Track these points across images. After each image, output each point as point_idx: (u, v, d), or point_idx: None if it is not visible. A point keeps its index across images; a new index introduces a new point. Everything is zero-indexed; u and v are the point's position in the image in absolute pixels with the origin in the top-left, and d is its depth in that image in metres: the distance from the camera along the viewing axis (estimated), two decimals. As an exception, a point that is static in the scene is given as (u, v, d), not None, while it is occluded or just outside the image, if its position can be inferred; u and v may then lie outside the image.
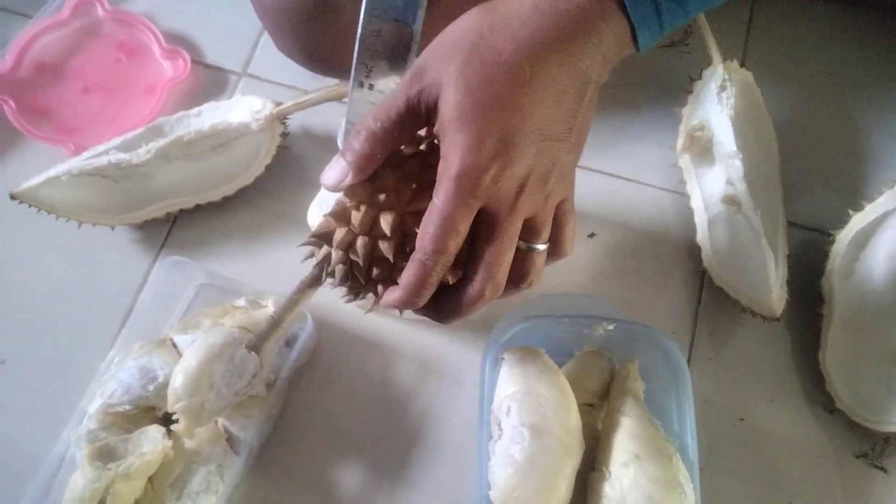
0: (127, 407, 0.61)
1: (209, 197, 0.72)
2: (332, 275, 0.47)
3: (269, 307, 0.66)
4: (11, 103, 0.75)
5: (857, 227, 0.67)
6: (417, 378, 0.68)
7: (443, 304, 0.46)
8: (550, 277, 0.70)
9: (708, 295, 0.72)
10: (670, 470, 0.54)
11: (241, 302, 0.68)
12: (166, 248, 0.73)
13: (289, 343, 0.65)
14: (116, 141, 0.71)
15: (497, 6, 0.43)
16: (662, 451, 0.55)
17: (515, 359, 0.58)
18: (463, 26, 0.43)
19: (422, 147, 0.48)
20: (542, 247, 0.47)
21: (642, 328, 0.62)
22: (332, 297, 0.69)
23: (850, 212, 0.68)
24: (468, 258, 0.45)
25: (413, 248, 0.44)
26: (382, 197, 0.45)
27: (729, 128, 0.68)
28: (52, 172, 0.68)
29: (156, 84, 0.79)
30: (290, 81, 0.80)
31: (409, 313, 0.51)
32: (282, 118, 0.73)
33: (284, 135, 0.74)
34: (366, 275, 0.46)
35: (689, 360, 0.69)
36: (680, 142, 0.72)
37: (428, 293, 0.44)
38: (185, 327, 0.66)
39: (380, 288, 0.46)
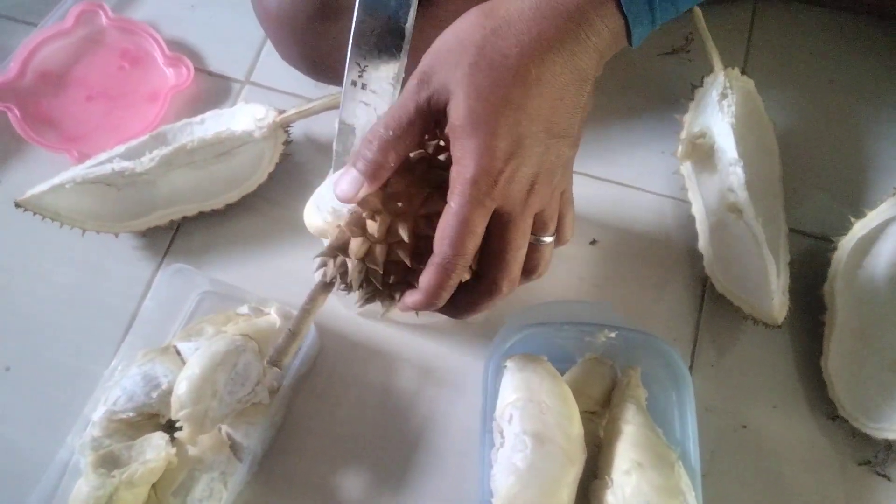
0: (130, 414, 0.61)
1: (212, 204, 0.72)
2: (349, 284, 0.47)
3: (272, 314, 0.66)
4: (16, 111, 0.76)
5: (859, 235, 0.67)
6: (419, 385, 0.69)
7: (460, 301, 0.47)
8: (552, 285, 0.71)
9: (710, 302, 0.72)
10: (672, 477, 0.54)
11: (245, 309, 0.68)
12: (170, 256, 0.74)
13: (291, 350, 0.65)
14: (120, 149, 0.71)
15: (496, 9, 0.43)
16: (664, 458, 0.55)
17: (517, 366, 0.58)
18: (465, 29, 0.44)
19: (427, 151, 0.48)
20: (549, 238, 0.48)
21: (644, 335, 0.62)
22: (333, 304, 0.69)
23: (852, 219, 0.68)
24: (483, 255, 0.46)
25: (426, 250, 0.44)
26: (397, 204, 0.45)
27: (730, 135, 0.68)
28: (56, 180, 0.68)
29: (159, 92, 0.79)
30: (292, 89, 0.81)
31: (409, 317, 0.51)
32: (285, 126, 0.73)
33: (287, 142, 0.74)
34: (383, 281, 0.46)
35: (690, 368, 0.69)
36: (681, 149, 0.72)
37: (447, 294, 0.45)
38: (188, 335, 0.66)
39: (396, 293, 0.47)
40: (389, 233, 0.45)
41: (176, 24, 0.84)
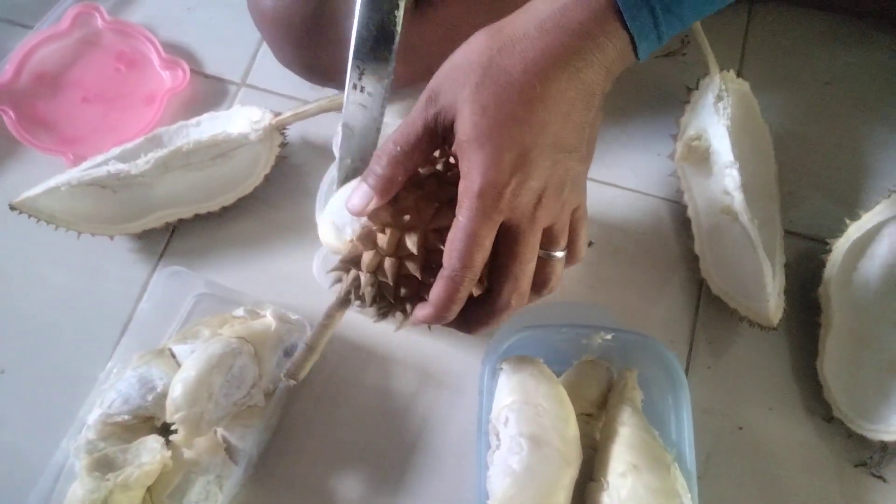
0: (126, 417, 0.61)
1: (208, 207, 0.72)
2: (361, 297, 0.48)
3: (268, 317, 0.66)
4: (11, 113, 0.76)
5: (854, 237, 0.67)
6: (416, 387, 0.69)
7: (470, 315, 0.48)
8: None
9: (706, 304, 0.72)
10: (668, 479, 0.54)
11: (240, 312, 0.68)
12: (165, 258, 0.74)
13: (287, 353, 0.65)
14: (115, 151, 0.71)
15: (503, 29, 0.44)
16: (660, 460, 0.55)
17: (513, 368, 0.58)
18: (473, 50, 0.45)
19: (437, 167, 0.49)
20: (560, 254, 0.49)
21: (640, 337, 0.62)
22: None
23: (848, 221, 0.68)
24: (493, 270, 0.46)
25: (437, 264, 0.45)
26: (406, 218, 0.46)
27: (726, 137, 0.68)
28: (51, 183, 0.68)
29: (155, 94, 0.79)
30: (288, 92, 0.81)
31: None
32: (280, 128, 0.73)
33: (283, 145, 0.74)
34: (394, 294, 0.47)
35: (687, 370, 0.70)
36: (677, 151, 0.72)
37: (457, 307, 0.46)
38: (184, 337, 0.66)
39: (408, 306, 0.48)
40: (399, 246, 0.46)
41: (172, 26, 0.84)
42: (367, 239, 0.47)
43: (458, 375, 0.69)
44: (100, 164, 0.70)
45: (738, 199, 0.67)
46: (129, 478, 0.57)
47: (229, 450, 0.62)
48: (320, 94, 0.74)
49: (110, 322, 0.71)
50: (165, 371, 0.63)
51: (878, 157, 0.78)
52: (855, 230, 0.68)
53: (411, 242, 0.46)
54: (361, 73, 0.58)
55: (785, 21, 0.85)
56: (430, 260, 0.47)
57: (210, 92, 0.81)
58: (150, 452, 0.59)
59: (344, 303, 0.49)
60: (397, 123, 0.46)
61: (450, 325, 0.49)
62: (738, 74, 0.73)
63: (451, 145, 0.46)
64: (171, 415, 0.58)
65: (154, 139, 0.73)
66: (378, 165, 0.46)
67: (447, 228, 0.45)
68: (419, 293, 0.47)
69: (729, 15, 0.84)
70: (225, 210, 0.73)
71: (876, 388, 0.65)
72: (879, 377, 0.65)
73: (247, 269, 0.73)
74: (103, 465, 0.58)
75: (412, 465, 0.66)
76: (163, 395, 0.61)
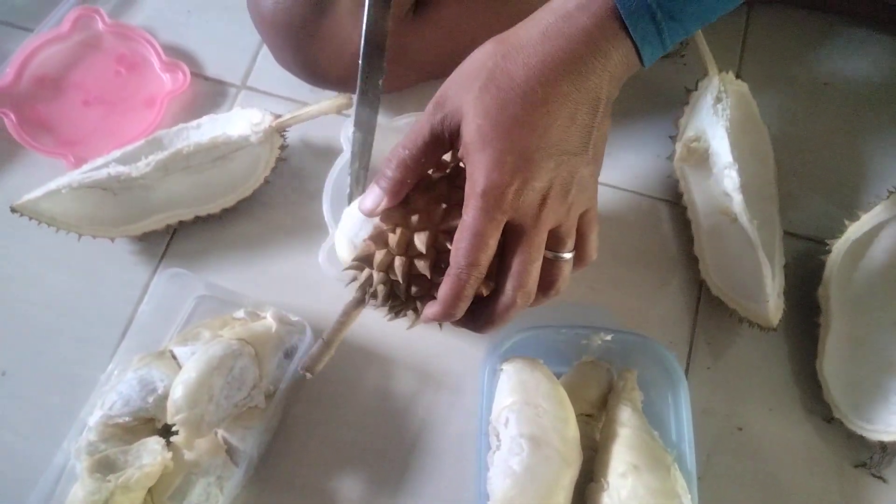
0: (127, 419, 0.61)
1: (208, 209, 0.72)
2: (374, 295, 0.50)
3: (269, 318, 0.66)
4: (12, 116, 0.76)
5: (853, 237, 0.68)
6: (416, 388, 0.69)
7: (478, 314, 0.49)
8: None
9: (705, 305, 0.72)
10: (668, 480, 0.54)
11: (241, 313, 0.68)
12: (166, 260, 0.74)
13: (288, 354, 0.65)
14: (116, 153, 0.71)
15: (508, 37, 0.46)
16: (660, 461, 0.55)
17: (513, 369, 0.58)
18: (479, 58, 0.46)
19: (448, 171, 0.51)
20: (567, 255, 0.49)
21: (640, 338, 0.63)
22: (330, 310, 0.69)
23: (847, 221, 0.68)
24: (499, 269, 0.48)
25: (447, 264, 0.47)
26: (415, 218, 0.48)
27: (725, 138, 0.68)
28: (52, 185, 0.68)
29: (155, 97, 0.79)
30: (288, 94, 0.81)
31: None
32: (281, 130, 0.73)
33: (283, 147, 0.74)
34: (405, 293, 0.49)
35: (686, 370, 0.70)
36: (676, 152, 0.72)
37: (464, 305, 0.47)
38: (184, 339, 0.66)
39: (419, 304, 0.50)
40: (409, 246, 0.48)
41: (172, 29, 0.84)
42: (379, 239, 0.49)
43: (458, 376, 0.69)
44: (100, 166, 0.70)
45: (737, 200, 0.67)
46: (129, 479, 0.57)
47: (230, 451, 0.62)
48: (320, 97, 0.75)
49: (111, 324, 0.71)
50: (166, 373, 0.63)
51: (876, 158, 0.78)
52: (854, 231, 0.68)
53: (420, 242, 0.47)
54: (367, 77, 0.61)
55: (783, 22, 0.85)
56: (440, 260, 0.48)
57: (210, 94, 0.81)
58: (150, 454, 0.59)
59: (360, 301, 0.51)
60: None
61: (459, 323, 0.50)
62: (737, 76, 0.73)
63: (458, 149, 0.47)
64: (172, 416, 0.58)
65: (154, 142, 0.73)
66: (388, 168, 0.48)
67: (456, 229, 0.46)
68: (430, 292, 0.49)
69: (727, 17, 0.84)
70: (225, 212, 0.73)
71: (875, 389, 0.65)
72: (879, 377, 0.65)
73: (247, 271, 0.73)
74: (104, 467, 0.58)
75: (412, 465, 0.66)
76: (163, 397, 0.61)
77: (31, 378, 0.69)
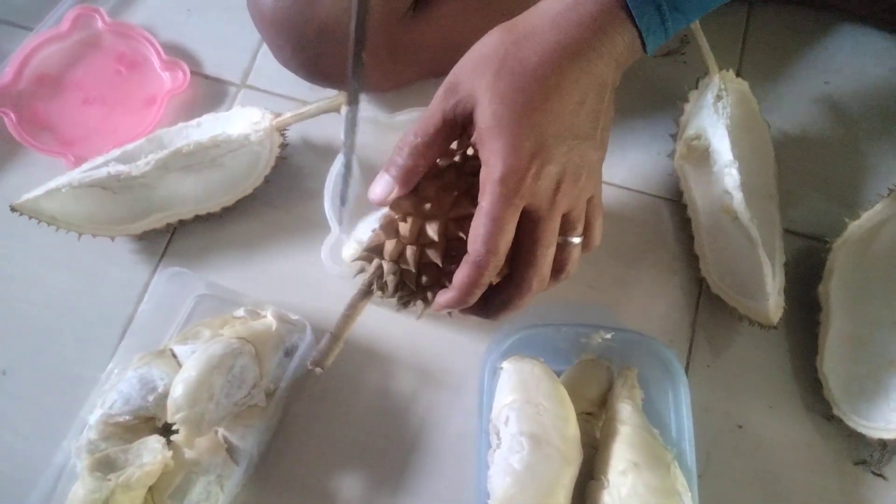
0: (127, 417, 0.61)
1: (208, 208, 0.72)
2: (383, 286, 0.50)
3: (269, 317, 0.66)
4: (12, 115, 0.76)
5: (853, 235, 0.68)
6: (416, 387, 0.69)
7: (492, 300, 0.50)
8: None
9: (705, 303, 0.72)
10: (668, 478, 0.54)
11: (241, 312, 0.68)
12: (166, 259, 0.74)
13: (288, 353, 0.65)
14: (116, 152, 0.71)
15: (518, 25, 0.47)
16: (660, 459, 0.55)
17: (514, 368, 0.58)
18: (489, 44, 0.47)
19: (455, 158, 0.51)
20: (577, 240, 0.50)
21: (640, 336, 0.63)
22: (330, 308, 0.69)
23: (847, 220, 0.68)
24: (515, 255, 0.48)
25: (458, 252, 0.47)
26: (427, 206, 0.48)
27: (725, 137, 0.68)
28: (52, 184, 0.68)
29: (155, 96, 0.79)
30: (288, 93, 0.81)
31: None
32: (281, 129, 0.73)
33: (283, 146, 0.74)
34: (416, 282, 0.49)
35: (686, 368, 0.70)
36: (677, 150, 0.72)
37: (479, 292, 0.47)
38: (184, 338, 0.66)
39: (429, 294, 0.49)
40: (420, 234, 0.48)
41: (172, 28, 0.84)
42: (390, 228, 0.49)
43: (458, 375, 0.69)
44: (100, 165, 0.70)
45: (737, 199, 0.67)
46: (130, 478, 0.57)
47: (230, 450, 0.62)
48: (320, 95, 0.75)
49: (111, 323, 0.71)
50: (166, 371, 0.63)
51: (877, 157, 0.78)
52: (855, 229, 0.68)
53: (432, 230, 0.47)
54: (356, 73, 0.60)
55: (784, 20, 0.85)
56: (451, 248, 0.48)
57: (210, 93, 0.81)
58: (151, 452, 0.59)
59: (367, 293, 0.51)
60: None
61: (470, 311, 0.50)
62: (738, 74, 0.73)
63: (470, 135, 0.47)
64: (173, 415, 0.59)
65: (154, 140, 0.73)
66: (399, 156, 0.48)
67: (467, 217, 0.46)
68: (440, 281, 0.49)
69: (728, 14, 0.84)
70: (225, 211, 0.73)
71: (876, 386, 0.65)
72: (879, 375, 0.65)
73: (247, 270, 0.73)
74: (105, 466, 0.58)
75: (412, 464, 0.66)
76: (164, 396, 0.61)
77: (31, 377, 0.69)
